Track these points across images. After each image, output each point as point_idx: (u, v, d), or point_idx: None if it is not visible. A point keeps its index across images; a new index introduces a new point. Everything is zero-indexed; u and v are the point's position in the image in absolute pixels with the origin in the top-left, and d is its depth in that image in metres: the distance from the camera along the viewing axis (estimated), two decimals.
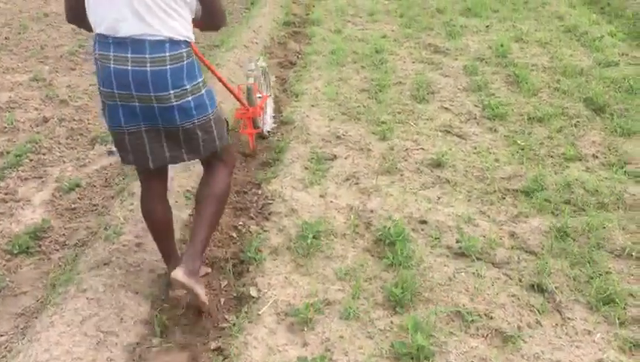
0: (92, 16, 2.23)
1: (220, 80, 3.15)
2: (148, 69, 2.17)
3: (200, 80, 2.33)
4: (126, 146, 2.36)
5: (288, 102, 4.76)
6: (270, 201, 3.34)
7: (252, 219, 3.26)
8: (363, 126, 4.23)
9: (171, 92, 2.22)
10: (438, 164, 3.64)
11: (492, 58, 5.44)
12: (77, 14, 2.31)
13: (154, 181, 2.55)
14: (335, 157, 3.81)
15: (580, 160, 3.66)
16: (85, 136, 4.26)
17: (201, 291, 2.41)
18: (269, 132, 4.29)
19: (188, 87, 2.27)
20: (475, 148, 3.86)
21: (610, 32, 5.88)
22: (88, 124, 4.44)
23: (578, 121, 4.14)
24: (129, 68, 2.17)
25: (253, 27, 6.46)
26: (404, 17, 6.96)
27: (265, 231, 3.09)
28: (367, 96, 4.78)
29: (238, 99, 3.69)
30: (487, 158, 3.69)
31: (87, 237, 3.13)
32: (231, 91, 3.46)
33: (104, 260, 2.73)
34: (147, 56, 2.16)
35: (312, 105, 4.63)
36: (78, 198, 3.55)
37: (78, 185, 3.64)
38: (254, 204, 3.38)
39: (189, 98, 2.27)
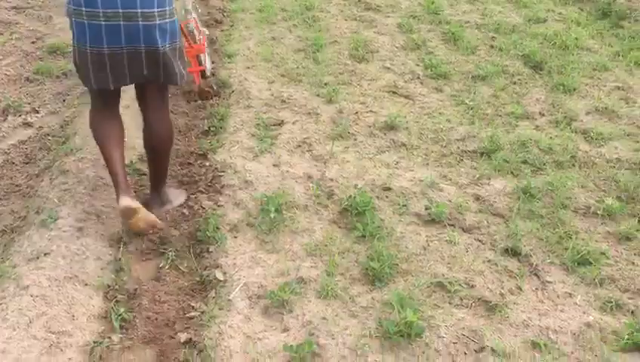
0: None
1: None
2: None
3: (173, 6, 2.45)
4: (92, 70, 2.41)
5: (221, 64, 4.43)
6: (220, 173, 3.09)
7: (203, 193, 3.00)
8: (306, 88, 4.02)
9: (155, 10, 2.33)
10: (391, 127, 3.51)
11: (424, 15, 5.35)
12: None
13: (110, 99, 2.63)
14: (282, 122, 3.59)
15: (528, 118, 3.67)
16: None
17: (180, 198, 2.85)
18: (211, 72, 4.15)
19: (167, 9, 2.40)
20: (425, 109, 3.77)
21: None
22: None
23: (519, 79, 4.16)
24: None
25: None
26: None
27: (219, 206, 2.86)
28: (305, 57, 4.55)
29: (185, 36, 3.57)
30: (438, 119, 3.62)
31: (15, 223, 2.75)
32: (182, 32, 3.31)
33: (43, 250, 2.40)
34: None
35: (248, 67, 4.35)
36: None
37: None
38: (203, 177, 3.11)
39: (167, 20, 2.40)
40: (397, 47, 4.71)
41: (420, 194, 2.92)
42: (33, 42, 4.71)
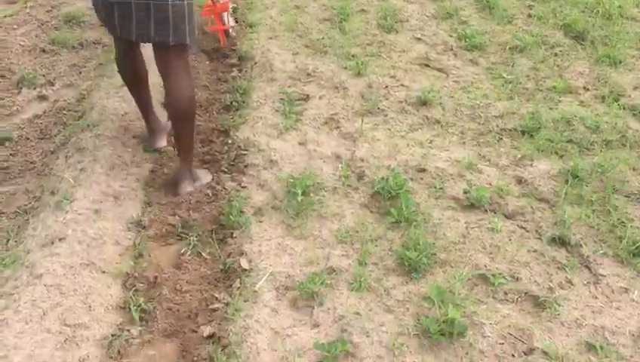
0: None
1: None
2: None
3: None
4: (100, 12, 2.46)
5: (243, 34, 4.22)
6: (244, 151, 2.92)
7: (225, 173, 2.83)
8: (332, 60, 3.80)
9: None
10: (423, 103, 3.30)
11: None
12: None
13: (126, 44, 2.61)
14: (308, 97, 3.39)
15: (571, 93, 3.43)
16: (8, 79, 3.60)
17: (207, 178, 2.78)
18: (232, 27, 4.12)
19: None
20: (459, 83, 3.54)
21: None
22: (10, 63, 3.76)
23: (560, 51, 3.89)
24: None
25: None
26: None
27: (243, 187, 2.69)
28: (331, 26, 4.31)
29: None
30: (474, 94, 3.39)
31: (30, 204, 2.62)
32: None
33: (58, 235, 2.26)
34: None
35: (271, 38, 4.13)
36: (10, 155, 2.98)
37: (7, 139, 3.06)
38: (225, 156, 2.95)
39: None
40: (427, 16, 4.44)
41: (458, 176, 2.72)
42: (48, 11, 4.52)
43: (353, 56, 3.84)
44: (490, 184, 2.67)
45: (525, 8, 4.52)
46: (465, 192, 2.58)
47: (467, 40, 3.98)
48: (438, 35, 4.14)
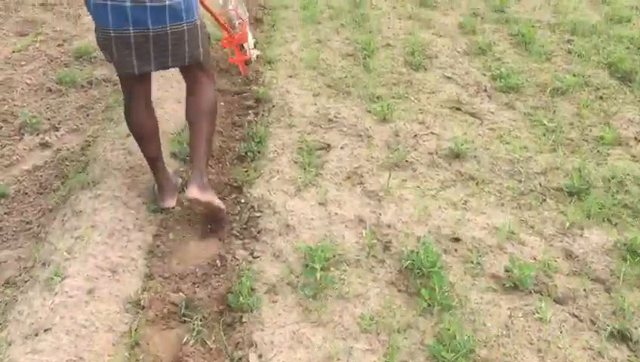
0: None
1: (202, 4, 3.00)
2: None
3: None
4: (112, 49, 2.30)
5: (261, 71, 3.97)
6: (258, 213, 2.64)
7: (237, 237, 2.56)
8: (355, 103, 3.53)
9: None
10: (456, 155, 3.00)
11: (488, 13, 4.77)
12: None
13: (139, 87, 2.49)
14: (329, 146, 3.11)
15: (621, 144, 3.10)
16: (10, 123, 3.39)
17: (217, 201, 2.49)
18: (257, 56, 4.09)
19: None
20: (495, 131, 3.23)
21: None
22: (14, 105, 3.55)
23: (605, 93, 3.56)
24: None
25: None
26: None
27: (256, 257, 2.40)
28: (354, 63, 4.05)
29: (223, 27, 3.62)
30: (512, 145, 3.07)
31: (20, 276, 2.36)
32: (215, 18, 3.45)
33: (44, 324, 1.98)
34: None
35: (290, 76, 3.88)
36: (5, 214, 2.75)
37: (3, 195, 2.83)
38: (237, 217, 2.67)
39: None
40: (458, 52, 4.15)
41: (497, 248, 2.40)
42: (59, 45, 4.34)
43: (378, 98, 3.56)
44: (534, 259, 2.35)
45: (564, 43, 4.21)
46: (506, 270, 2.27)
47: (502, 80, 3.67)
48: (470, 74, 3.84)
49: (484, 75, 3.83)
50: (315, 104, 3.51)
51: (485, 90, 3.65)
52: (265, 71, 3.95)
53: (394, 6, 5.00)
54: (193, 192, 2.38)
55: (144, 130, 2.57)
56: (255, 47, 4.14)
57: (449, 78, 3.82)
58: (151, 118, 2.59)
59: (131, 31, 2.24)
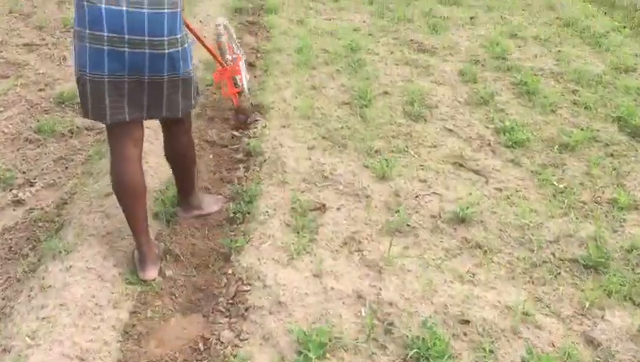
0: None
1: (196, 37, 3.09)
2: (145, 11, 2.08)
3: (185, 32, 2.28)
4: (103, 96, 2.17)
5: (253, 119, 3.77)
6: (246, 287, 2.40)
7: (222, 314, 2.31)
8: (352, 157, 3.32)
9: (165, 38, 2.14)
10: (461, 219, 2.78)
11: (488, 60, 4.62)
12: None
13: (129, 139, 2.33)
14: (324, 206, 2.89)
15: (637, 208, 2.90)
16: None
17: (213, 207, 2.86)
18: (249, 89, 3.98)
19: (179, 35, 2.20)
20: (501, 192, 3.03)
21: (614, 28, 5.17)
22: None
23: (616, 150, 3.38)
24: (123, 9, 2.06)
25: (200, 16, 5.38)
26: (374, 5, 6.03)
27: (243, 340, 2.16)
28: (351, 112, 3.86)
29: (217, 58, 3.61)
30: (521, 208, 2.86)
31: None
32: (209, 50, 3.44)
33: None
34: None
35: (284, 126, 3.68)
36: None
37: None
38: (223, 290, 2.43)
39: (179, 48, 2.20)
40: (459, 102, 3.98)
41: (511, 332, 2.17)
42: (41, 90, 4.14)
43: (376, 151, 3.36)
44: (553, 345, 2.12)
45: (569, 94, 4.05)
46: (522, 361, 2.03)
47: (506, 134, 3.49)
48: (473, 127, 3.66)
49: (487, 127, 3.65)
50: (310, 158, 3.30)
51: (489, 144, 3.46)
52: (257, 120, 3.75)
53: (391, 51, 4.85)
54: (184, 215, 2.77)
55: (132, 189, 2.37)
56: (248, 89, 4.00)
57: (450, 130, 3.64)
58: (140, 175, 2.39)
59: (126, 77, 2.17)
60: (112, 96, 2.18)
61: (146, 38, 2.11)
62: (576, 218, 2.81)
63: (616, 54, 4.61)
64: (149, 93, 2.24)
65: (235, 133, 3.69)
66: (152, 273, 2.44)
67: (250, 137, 3.59)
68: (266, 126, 3.67)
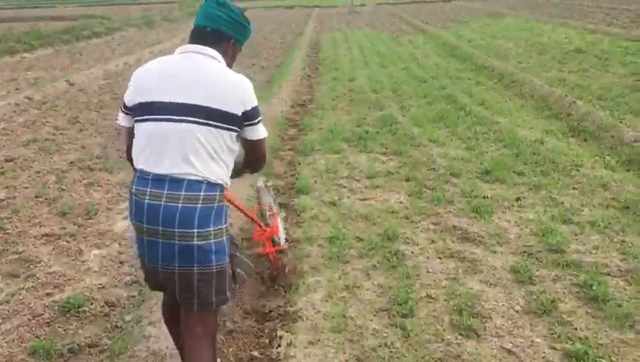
0: (137, 154, 2.29)
1: (246, 215, 3.45)
2: (179, 205, 2.20)
3: (225, 226, 2.32)
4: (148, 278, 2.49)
5: (275, 338, 3.28)
6: None
7: None
8: None
9: (195, 230, 2.22)
10: None
11: (543, 252, 4.12)
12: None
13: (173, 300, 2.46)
14: None
15: None
16: None
17: None
18: (287, 241, 4.22)
19: (211, 229, 2.26)
20: None
21: None
22: None
23: None
24: (162, 203, 2.21)
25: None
26: (410, 182, 5.71)
27: None
28: (389, 322, 3.35)
29: (257, 222, 3.70)
30: None
31: None
32: (246, 214, 3.48)
33: None
34: (182, 193, 2.21)
35: (311, 342, 3.18)
36: None
37: None
38: None
39: (211, 241, 2.26)
40: (516, 312, 3.43)
41: None
42: (48, 294, 3.79)
43: None
44: None
45: None
46: None
47: (580, 361, 2.89)
48: (536, 347, 3.08)
49: (555, 348, 3.06)
50: None
51: None
52: (281, 335, 3.26)
53: (432, 240, 4.42)
54: None
55: (172, 332, 2.68)
56: (287, 240, 4.21)
57: (509, 351, 3.06)
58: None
59: (160, 267, 2.30)
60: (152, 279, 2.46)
61: (176, 230, 2.22)
62: None
63: None
64: (179, 285, 2.31)
65: (256, 354, 3.19)
66: None
67: (272, 359, 3.08)
68: (291, 343, 3.17)
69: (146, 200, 2.21)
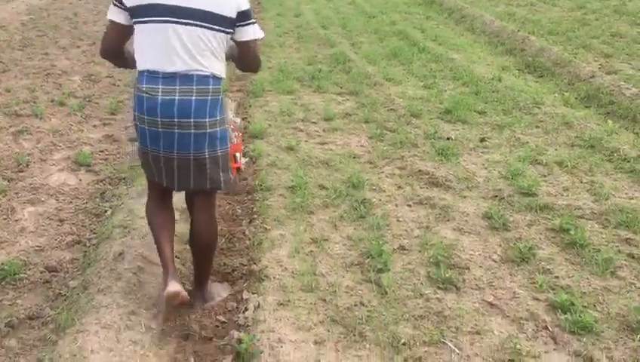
0: (142, 55, 2.56)
1: None
2: (193, 98, 2.53)
3: (225, 115, 2.72)
4: (152, 168, 2.72)
5: (241, 301, 3.00)
6: None
7: None
8: (373, 355, 2.55)
9: (207, 120, 2.57)
10: None
11: (514, 196, 3.96)
12: (115, 52, 2.73)
13: (165, 193, 2.90)
14: None
15: None
16: None
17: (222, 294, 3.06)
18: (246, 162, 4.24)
19: (217, 118, 2.63)
20: None
21: None
22: None
23: None
24: (176, 98, 2.51)
25: None
26: (370, 124, 5.43)
27: None
28: (363, 278, 3.13)
29: None
30: None
31: None
32: None
33: None
34: (194, 87, 2.53)
35: (281, 304, 2.92)
36: None
37: None
38: None
39: (218, 129, 2.64)
40: (494, 261, 3.27)
41: None
42: None
43: (404, 344, 2.61)
44: None
45: (622, 244, 3.37)
46: None
47: (566, 313, 2.76)
48: (519, 299, 2.93)
49: (537, 299, 2.92)
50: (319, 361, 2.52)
51: (546, 328, 2.72)
52: (248, 297, 2.99)
53: (399, 185, 4.18)
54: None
55: (166, 224, 2.87)
56: (244, 155, 4.11)
57: (492, 304, 2.90)
58: (173, 214, 2.97)
59: (175, 154, 2.61)
60: (160, 169, 2.70)
61: (192, 120, 2.56)
62: None
63: None
64: (194, 168, 2.67)
65: (222, 318, 2.90)
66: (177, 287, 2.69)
67: (240, 325, 2.81)
68: (259, 306, 2.90)
69: (159, 96, 2.50)
